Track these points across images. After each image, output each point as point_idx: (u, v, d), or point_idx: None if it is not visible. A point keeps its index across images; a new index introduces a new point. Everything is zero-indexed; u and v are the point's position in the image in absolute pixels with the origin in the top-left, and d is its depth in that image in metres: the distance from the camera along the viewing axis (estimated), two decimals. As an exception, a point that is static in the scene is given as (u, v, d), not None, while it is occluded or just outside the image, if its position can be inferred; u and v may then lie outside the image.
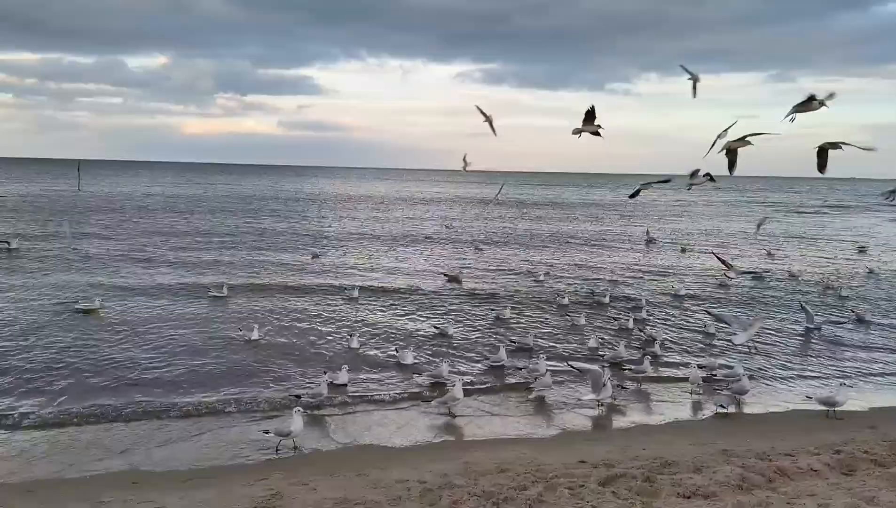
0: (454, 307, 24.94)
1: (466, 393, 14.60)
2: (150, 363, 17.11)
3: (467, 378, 16.30)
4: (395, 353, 18.29)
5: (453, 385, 14.41)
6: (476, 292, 27.87)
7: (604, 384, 14.07)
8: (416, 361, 17.52)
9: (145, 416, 13.78)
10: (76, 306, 22.26)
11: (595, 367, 14.46)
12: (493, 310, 23.78)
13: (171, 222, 52.58)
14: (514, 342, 19.46)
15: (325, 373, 15.77)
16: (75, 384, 15.37)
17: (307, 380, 16.02)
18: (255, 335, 19.12)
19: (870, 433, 12.56)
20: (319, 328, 21.35)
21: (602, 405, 14.55)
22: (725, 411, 14.47)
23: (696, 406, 15.15)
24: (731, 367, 16.94)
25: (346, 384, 15.63)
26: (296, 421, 12.00)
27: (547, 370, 15.97)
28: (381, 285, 28.87)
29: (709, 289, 29.72)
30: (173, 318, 21.79)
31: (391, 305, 25.10)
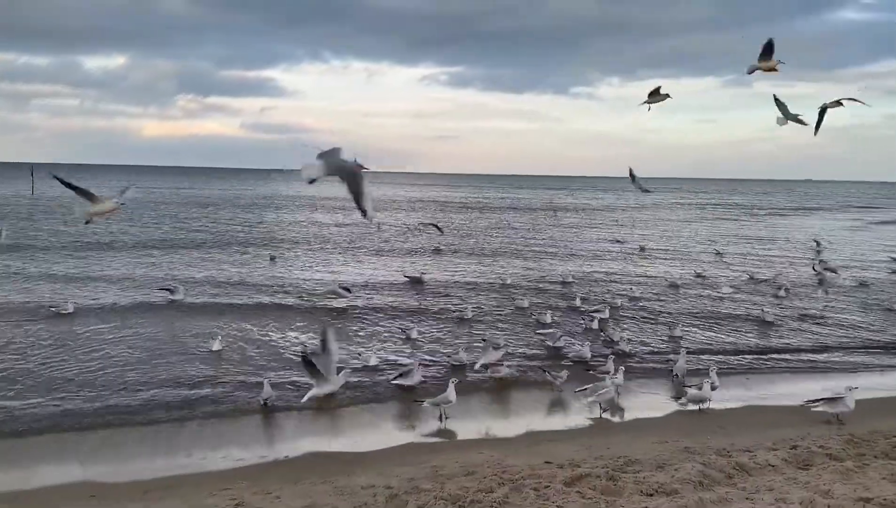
0: (416, 309, 24.87)
1: (431, 395, 14.50)
2: (108, 371, 16.65)
3: (430, 378, 16.25)
4: (358, 356, 18.17)
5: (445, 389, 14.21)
6: (438, 293, 27.88)
7: (605, 388, 14.43)
8: (379, 363, 17.42)
9: (103, 426, 13.42)
10: (51, 309, 22.11)
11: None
12: (455, 311, 23.79)
13: (125, 227, 51.36)
14: (486, 342, 19.54)
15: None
16: (29, 393, 14.88)
17: (272, 386, 15.63)
18: (216, 346, 18.59)
19: (825, 429, 12.93)
20: (281, 333, 21.09)
21: (602, 406, 14.63)
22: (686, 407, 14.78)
23: (661, 404, 15.34)
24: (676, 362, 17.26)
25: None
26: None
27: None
28: (341, 286, 28.55)
29: (659, 290, 29.85)
30: (131, 326, 21.21)
31: (352, 307, 24.90)
